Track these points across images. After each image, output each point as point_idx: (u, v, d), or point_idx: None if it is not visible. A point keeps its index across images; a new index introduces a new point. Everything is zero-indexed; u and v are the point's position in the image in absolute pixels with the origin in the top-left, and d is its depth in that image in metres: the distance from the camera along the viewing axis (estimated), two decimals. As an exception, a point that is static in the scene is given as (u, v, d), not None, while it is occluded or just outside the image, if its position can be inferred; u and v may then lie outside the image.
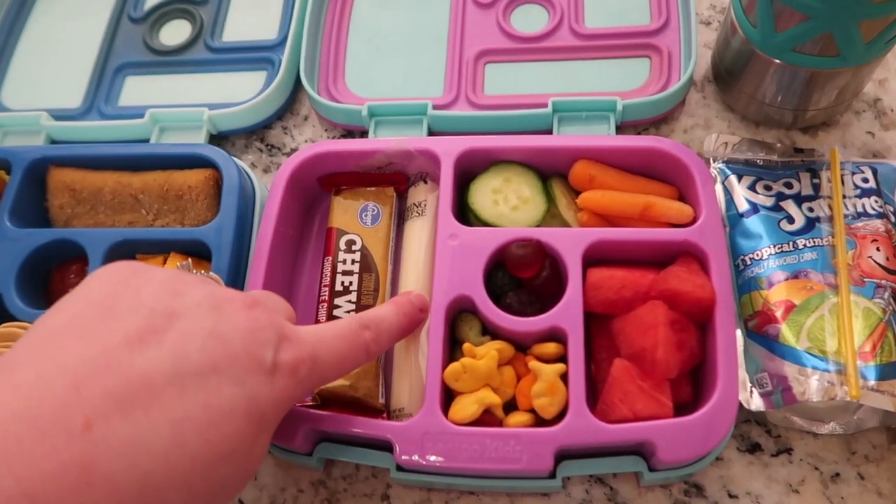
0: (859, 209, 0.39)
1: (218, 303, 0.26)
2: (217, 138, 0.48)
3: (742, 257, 0.39)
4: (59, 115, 0.50)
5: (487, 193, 0.40)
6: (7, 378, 0.21)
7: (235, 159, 0.43)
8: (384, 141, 0.42)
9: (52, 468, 0.19)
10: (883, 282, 0.36)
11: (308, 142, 0.49)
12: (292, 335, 0.28)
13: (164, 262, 0.41)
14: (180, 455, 0.22)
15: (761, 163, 0.42)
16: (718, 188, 0.42)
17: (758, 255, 0.38)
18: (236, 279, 0.40)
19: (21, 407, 0.20)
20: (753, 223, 0.39)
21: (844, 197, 0.39)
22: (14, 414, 0.20)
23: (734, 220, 0.40)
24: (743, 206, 0.40)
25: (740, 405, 0.35)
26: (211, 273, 0.34)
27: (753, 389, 0.36)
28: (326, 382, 0.31)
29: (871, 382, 0.33)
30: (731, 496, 0.36)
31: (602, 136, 0.42)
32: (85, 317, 0.24)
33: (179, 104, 0.49)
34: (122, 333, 0.23)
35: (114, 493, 0.20)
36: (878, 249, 0.37)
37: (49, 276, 0.42)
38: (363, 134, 0.47)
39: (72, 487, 0.20)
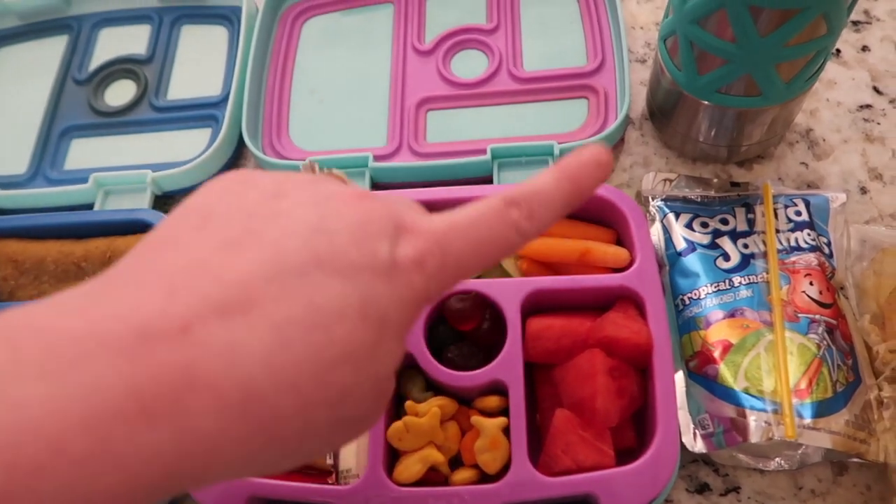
0: (793, 243, 0.39)
1: (323, 198, 0.23)
2: (162, 199, 0.48)
3: (681, 296, 0.39)
4: (4, 183, 0.49)
5: (428, 246, 0.40)
6: (106, 287, 0.20)
7: (178, 222, 0.43)
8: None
9: (154, 368, 0.19)
10: (817, 316, 0.37)
11: (254, 197, 0.49)
12: (413, 224, 0.24)
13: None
14: (285, 359, 0.20)
15: (699, 199, 0.43)
16: (657, 227, 0.42)
17: (696, 294, 0.39)
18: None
19: (120, 313, 0.19)
20: (691, 261, 0.40)
21: (778, 231, 0.40)
22: (115, 316, 0.19)
23: (673, 258, 0.41)
24: (681, 244, 0.41)
25: (684, 447, 0.36)
26: (335, 170, 0.32)
27: (696, 431, 0.36)
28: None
29: (808, 420, 0.33)
30: (681, 539, 0.36)
31: (538, 182, 0.43)
32: (184, 227, 0.23)
33: (126, 165, 0.49)
34: (220, 238, 0.22)
35: (216, 396, 0.19)
36: (811, 283, 0.38)
37: (-8, 351, 0.42)
38: (308, 188, 0.47)
39: (175, 387, 0.19)
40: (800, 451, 0.36)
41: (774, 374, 0.35)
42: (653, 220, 0.43)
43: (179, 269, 0.21)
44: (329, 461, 0.37)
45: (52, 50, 0.56)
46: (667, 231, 0.42)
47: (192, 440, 0.19)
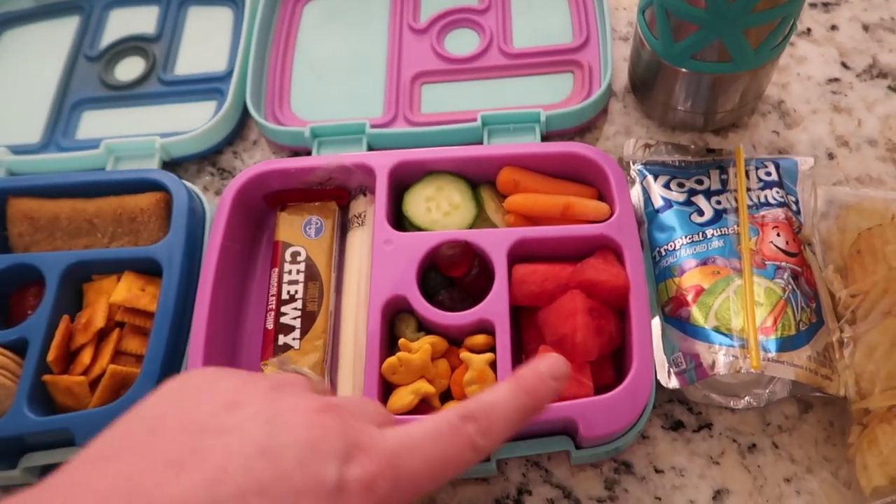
0: (762, 200, 0.42)
1: (277, 413, 0.23)
2: (170, 165, 0.51)
3: (658, 249, 0.42)
4: (18, 150, 0.52)
5: (421, 201, 0.43)
6: (41, 498, 0.20)
7: (185, 182, 0.46)
8: (322, 157, 0.44)
9: None
10: (783, 264, 0.39)
11: (257, 163, 0.51)
12: (368, 444, 0.23)
13: (119, 280, 0.43)
14: None
15: (677, 163, 0.46)
16: (637, 188, 0.45)
17: (671, 245, 0.41)
18: (187, 294, 0.42)
19: None
20: (668, 217, 0.42)
21: (749, 189, 0.43)
22: None
23: (651, 216, 0.43)
24: (658, 202, 0.43)
25: (660, 385, 0.38)
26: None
27: (670, 370, 0.38)
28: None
29: (772, 354, 0.36)
30: (657, 471, 0.38)
31: (525, 144, 0.45)
32: (131, 438, 0.22)
33: (134, 135, 0.51)
34: (163, 456, 0.21)
35: None
36: (778, 235, 0.40)
37: (8, 299, 0.44)
38: (308, 154, 0.50)
39: None
40: (767, 390, 0.38)
41: (742, 313, 0.37)
42: (633, 183, 0.45)
43: (115, 490, 0.20)
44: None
45: (65, 29, 0.59)
46: (646, 191, 0.44)
47: None
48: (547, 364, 0.28)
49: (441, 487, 0.25)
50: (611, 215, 0.41)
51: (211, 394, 0.23)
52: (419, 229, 0.42)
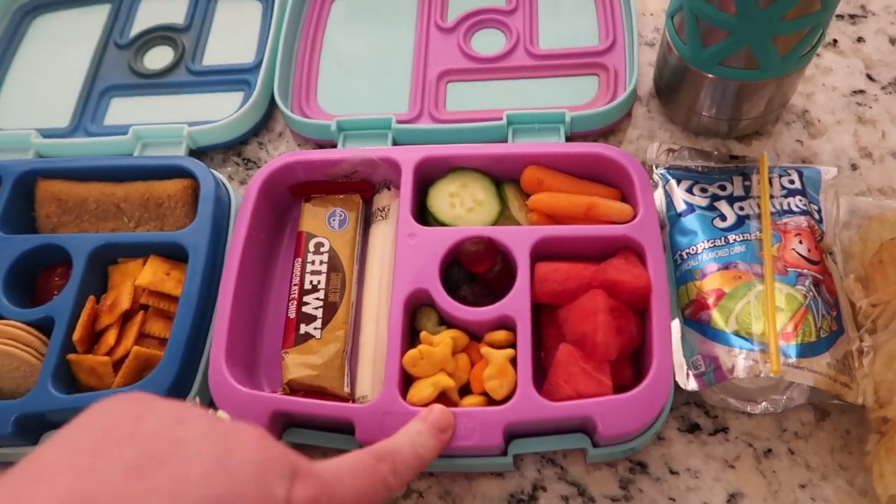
0: (785, 207, 0.42)
1: (227, 433, 0.24)
2: (196, 153, 0.51)
3: (680, 252, 0.42)
4: (47, 134, 0.53)
5: (445, 197, 0.43)
6: None
7: (212, 170, 0.46)
8: (349, 150, 0.45)
9: None
10: (805, 271, 0.39)
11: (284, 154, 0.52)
12: (307, 470, 0.26)
13: (144, 264, 0.43)
14: None
15: (699, 169, 0.46)
16: (660, 192, 0.45)
17: (693, 249, 0.41)
18: (211, 280, 0.42)
19: None
20: (690, 221, 0.43)
21: (772, 197, 0.43)
22: None
23: (673, 219, 0.43)
24: (681, 206, 0.43)
25: (679, 387, 0.38)
26: (220, 412, 0.35)
27: (689, 372, 0.38)
28: None
29: (792, 360, 0.36)
30: (672, 472, 0.38)
31: (550, 143, 0.46)
32: (82, 448, 0.23)
33: (161, 122, 0.52)
34: (120, 464, 0.22)
35: None
36: (800, 242, 0.40)
37: (35, 278, 0.45)
38: (333, 147, 0.50)
39: None
40: (784, 396, 0.38)
41: (763, 318, 0.37)
42: (655, 186, 0.46)
43: (71, 495, 0.21)
44: (346, 389, 0.40)
45: (96, 17, 0.60)
46: (668, 195, 0.45)
47: None
48: (435, 416, 0.34)
49: None
50: (634, 217, 0.41)
51: (152, 413, 0.24)
52: (442, 224, 0.43)
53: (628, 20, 0.52)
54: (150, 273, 0.42)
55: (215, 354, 0.38)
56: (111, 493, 0.21)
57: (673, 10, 0.44)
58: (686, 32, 0.43)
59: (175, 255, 0.44)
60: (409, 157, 0.44)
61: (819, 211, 0.43)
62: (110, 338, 0.40)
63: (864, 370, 0.37)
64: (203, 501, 0.22)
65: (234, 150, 0.52)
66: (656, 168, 0.46)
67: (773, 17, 0.38)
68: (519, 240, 0.40)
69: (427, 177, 0.45)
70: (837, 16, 0.53)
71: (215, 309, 0.40)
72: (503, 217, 0.43)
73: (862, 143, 0.47)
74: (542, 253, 0.40)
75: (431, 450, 0.33)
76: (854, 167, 0.46)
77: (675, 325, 0.40)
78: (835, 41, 0.52)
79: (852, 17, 0.53)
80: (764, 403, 0.38)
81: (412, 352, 0.38)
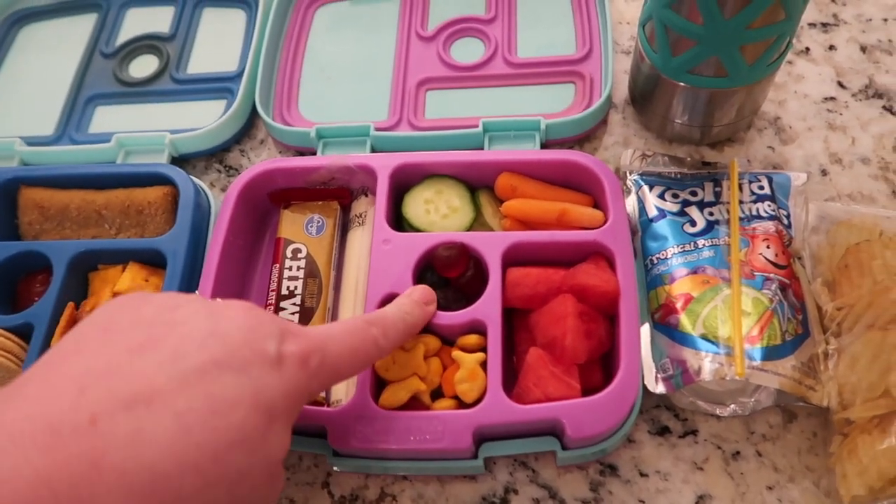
0: (754, 212, 0.43)
1: (216, 309, 0.27)
2: (178, 161, 0.52)
3: (650, 257, 0.43)
4: (32, 142, 0.53)
5: (420, 203, 0.44)
6: (19, 391, 0.24)
7: (192, 177, 0.47)
8: (327, 157, 0.46)
9: (63, 458, 0.21)
10: (771, 275, 0.40)
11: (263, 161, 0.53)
12: (296, 330, 0.28)
13: (123, 270, 0.44)
14: (186, 443, 0.23)
15: (672, 175, 0.46)
16: (632, 198, 0.46)
17: (663, 254, 0.42)
18: (190, 285, 0.43)
19: (32, 411, 0.22)
20: (661, 227, 0.43)
21: (741, 202, 0.44)
22: (27, 416, 0.22)
23: (645, 224, 0.44)
24: (653, 212, 0.44)
25: (648, 391, 0.39)
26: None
27: (658, 375, 0.39)
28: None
29: (757, 363, 0.37)
30: (641, 475, 0.39)
31: (524, 150, 0.46)
32: (88, 337, 0.26)
33: (145, 130, 0.53)
34: (124, 345, 0.25)
35: (123, 480, 0.22)
36: (768, 247, 0.41)
37: (16, 285, 0.45)
38: (314, 155, 0.51)
39: (83, 475, 0.21)
40: (752, 399, 0.39)
41: (730, 322, 0.38)
42: (628, 192, 0.46)
43: (89, 371, 0.24)
44: (322, 392, 0.40)
45: (82, 26, 0.61)
46: (641, 201, 0.45)
47: None
48: (419, 293, 0.38)
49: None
50: (605, 223, 0.42)
51: (149, 304, 0.27)
52: (418, 230, 0.43)
53: (604, 29, 0.53)
54: (129, 279, 0.43)
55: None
56: (120, 367, 0.24)
57: (644, 19, 0.45)
58: (656, 41, 0.43)
59: (155, 261, 0.44)
60: (384, 164, 0.44)
61: (788, 216, 0.44)
62: (89, 343, 0.41)
63: (829, 373, 0.38)
64: (202, 366, 0.24)
65: (216, 157, 0.53)
66: (630, 174, 0.47)
67: (738, 26, 0.39)
68: (491, 245, 0.41)
69: (403, 183, 0.45)
70: (809, 24, 0.54)
71: (193, 314, 0.41)
72: (477, 223, 0.44)
73: (832, 149, 0.48)
74: (514, 258, 0.41)
75: (418, 317, 0.36)
76: (824, 173, 0.47)
77: (645, 329, 0.41)
78: (807, 49, 0.53)
79: (824, 25, 0.54)
80: (732, 406, 0.39)
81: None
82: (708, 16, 0.39)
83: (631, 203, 0.46)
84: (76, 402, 0.23)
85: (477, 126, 0.48)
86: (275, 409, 0.26)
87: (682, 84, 0.44)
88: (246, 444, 0.24)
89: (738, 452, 0.39)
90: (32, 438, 0.21)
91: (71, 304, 0.42)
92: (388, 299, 0.40)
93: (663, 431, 0.40)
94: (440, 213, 0.44)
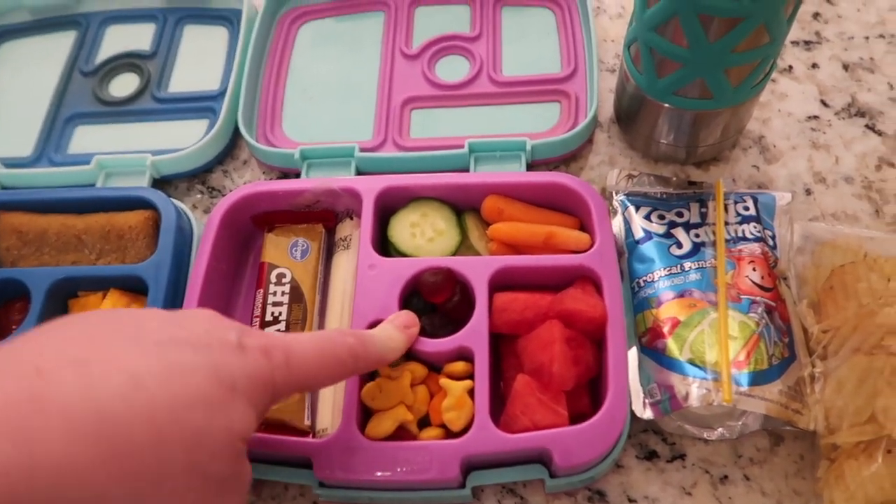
0: (740, 234, 0.43)
1: (179, 312, 0.28)
2: (160, 182, 0.51)
3: (637, 280, 0.42)
4: (10, 164, 0.52)
5: (406, 227, 0.44)
6: None
7: (174, 200, 0.46)
8: (311, 181, 0.45)
9: (2, 397, 0.20)
10: (758, 298, 0.40)
11: (246, 184, 0.52)
12: (258, 332, 0.29)
13: (104, 297, 0.43)
14: (141, 395, 0.22)
15: (658, 195, 0.46)
16: (619, 218, 0.46)
17: (650, 277, 0.42)
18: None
19: None
20: (648, 249, 0.43)
21: (727, 224, 0.44)
22: None
23: (631, 246, 0.44)
24: (639, 233, 0.44)
25: (635, 415, 0.39)
26: None
27: (646, 400, 0.39)
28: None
29: (744, 388, 0.37)
30: (630, 500, 0.39)
31: (510, 172, 0.46)
32: (49, 326, 0.25)
33: (126, 151, 0.52)
34: (85, 332, 0.25)
35: (69, 421, 0.20)
36: (754, 269, 0.41)
37: (-7, 314, 0.44)
38: (298, 176, 0.51)
39: (24, 413, 0.20)
40: (740, 422, 0.39)
41: (716, 347, 0.38)
42: (615, 213, 0.46)
43: (50, 343, 0.24)
44: (307, 421, 0.40)
45: (61, 44, 0.60)
46: (627, 222, 0.45)
47: (40, 458, 0.20)
48: (402, 318, 0.38)
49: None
50: (591, 245, 0.42)
51: (114, 311, 0.29)
52: (403, 254, 0.43)
53: (589, 47, 0.53)
54: (110, 307, 0.42)
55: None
56: (76, 340, 0.24)
57: (629, 40, 0.45)
58: (641, 63, 0.43)
59: (136, 287, 0.43)
60: (369, 187, 0.44)
61: (773, 237, 0.44)
62: (68, 373, 0.40)
63: (816, 396, 0.38)
64: (160, 341, 0.24)
65: (198, 178, 0.52)
66: (616, 194, 0.47)
67: (723, 50, 0.39)
68: (478, 270, 0.41)
69: (389, 206, 0.45)
70: (792, 42, 0.54)
71: (175, 343, 0.40)
72: (464, 246, 0.44)
73: (816, 168, 0.48)
74: (501, 282, 0.41)
75: (399, 340, 0.36)
76: (808, 192, 0.47)
77: (633, 353, 0.41)
78: (790, 67, 0.53)
79: (807, 43, 0.54)
80: (720, 429, 0.39)
81: (370, 385, 0.38)
82: (693, 39, 0.39)
83: (617, 224, 0.45)
84: (26, 355, 0.22)
85: (463, 147, 0.48)
86: (236, 385, 0.25)
87: (667, 105, 0.44)
88: (204, 406, 0.24)
89: (725, 476, 0.39)
90: None
91: (50, 334, 0.41)
92: (373, 325, 0.40)
93: (651, 456, 0.40)
94: (426, 237, 0.43)
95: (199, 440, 0.23)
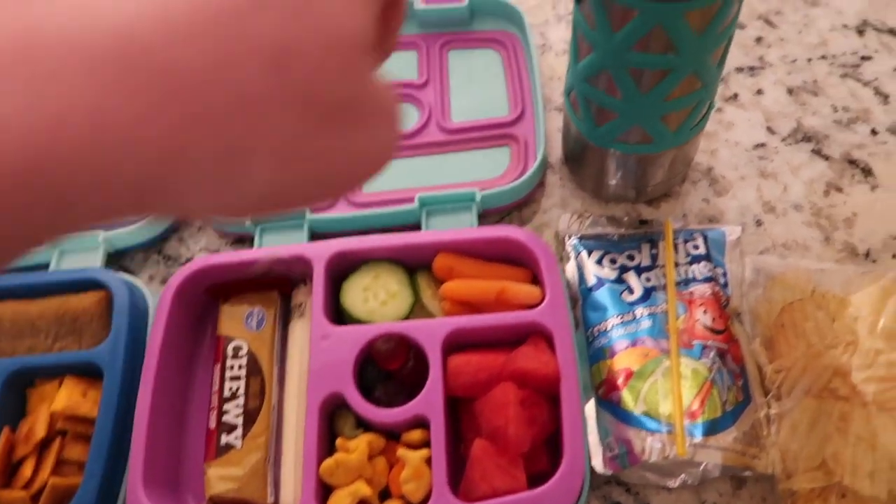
0: (690, 275, 0.43)
1: None
2: (116, 255, 0.51)
3: (591, 329, 0.43)
4: (-37, 246, 0.52)
5: (358, 291, 0.44)
6: None
7: (127, 277, 0.46)
8: (260, 251, 0.45)
9: None
10: (709, 342, 0.40)
11: (203, 251, 0.52)
12: None
13: (60, 385, 0.43)
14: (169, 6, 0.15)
15: (611, 237, 0.47)
16: (572, 264, 0.46)
17: (604, 326, 0.42)
18: (129, 396, 0.42)
19: None
20: (601, 296, 0.43)
21: (677, 265, 0.44)
22: None
23: (585, 293, 0.44)
24: (592, 280, 0.44)
25: (595, 469, 0.39)
26: None
27: (605, 455, 0.39)
28: None
29: (699, 439, 0.37)
30: (597, 554, 0.39)
31: (459, 229, 0.46)
32: None
33: (80, 225, 0.52)
34: None
35: (83, 49, 0.14)
36: (705, 312, 0.41)
37: (-50, 409, 0.44)
38: (252, 240, 0.50)
39: (16, 47, 0.14)
40: (701, 468, 0.39)
41: (670, 397, 0.38)
42: (568, 258, 0.46)
43: None
44: (270, 498, 0.40)
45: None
46: (580, 268, 0.45)
47: (67, 110, 0.14)
48: None
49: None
50: (542, 299, 0.42)
51: None
52: (357, 320, 0.43)
53: (534, 90, 0.53)
54: (66, 397, 0.42)
55: (132, 479, 0.38)
56: None
57: (567, 88, 0.45)
58: (580, 111, 0.43)
59: (92, 373, 0.43)
60: (320, 254, 0.44)
61: (724, 274, 0.44)
62: (27, 469, 0.40)
63: (773, 438, 0.38)
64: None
65: (155, 247, 0.52)
66: (569, 238, 0.47)
67: (656, 99, 0.39)
68: (430, 333, 0.41)
69: (340, 270, 0.45)
70: (737, 68, 0.54)
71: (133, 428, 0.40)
72: (418, 307, 0.44)
73: (765, 197, 0.48)
74: (455, 343, 0.41)
75: None
76: (759, 223, 0.48)
77: (591, 406, 0.41)
78: (735, 95, 0.53)
79: (751, 69, 0.54)
80: (682, 476, 0.39)
81: (328, 461, 0.38)
82: (625, 91, 0.39)
83: (571, 269, 0.46)
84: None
85: (413, 201, 0.48)
86: None
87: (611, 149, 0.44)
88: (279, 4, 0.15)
89: (691, 523, 0.39)
90: None
91: (7, 429, 0.41)
92: (329, 399, 0.40)
93: (616, 507, 0.40)
94: (379, 300, 0.43)
95: (283, 50, 0.16)
